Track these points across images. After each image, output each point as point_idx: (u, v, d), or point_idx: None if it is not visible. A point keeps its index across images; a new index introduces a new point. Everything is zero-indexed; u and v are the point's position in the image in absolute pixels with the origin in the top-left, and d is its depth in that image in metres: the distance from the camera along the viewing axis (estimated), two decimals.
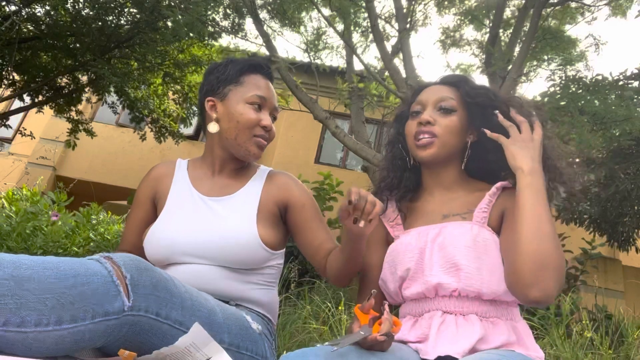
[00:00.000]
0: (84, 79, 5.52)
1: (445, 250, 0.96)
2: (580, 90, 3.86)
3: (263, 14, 4.98)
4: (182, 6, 4.12)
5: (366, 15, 4.94)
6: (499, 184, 1.03)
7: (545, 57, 5.82)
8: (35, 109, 5.60)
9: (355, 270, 1.07)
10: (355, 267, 1.05)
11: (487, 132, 1.02)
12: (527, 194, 0.91)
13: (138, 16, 4.76)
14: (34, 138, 6.02)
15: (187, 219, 1.11)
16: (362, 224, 0.87)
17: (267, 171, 1.22)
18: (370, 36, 5.40)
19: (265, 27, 4.94)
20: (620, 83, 3.87)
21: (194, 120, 6.63)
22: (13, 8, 4.79)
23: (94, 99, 6.14)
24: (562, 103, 3.81)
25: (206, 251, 1.06)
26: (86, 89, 5.54)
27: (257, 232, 1.07)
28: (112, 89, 5.27)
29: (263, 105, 1.15)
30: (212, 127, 1.15)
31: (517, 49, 4.91)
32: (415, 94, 1.15)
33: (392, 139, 1.18)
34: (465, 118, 1.07)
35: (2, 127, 5.56)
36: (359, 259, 1.03)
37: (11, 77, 5.23)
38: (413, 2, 5.30)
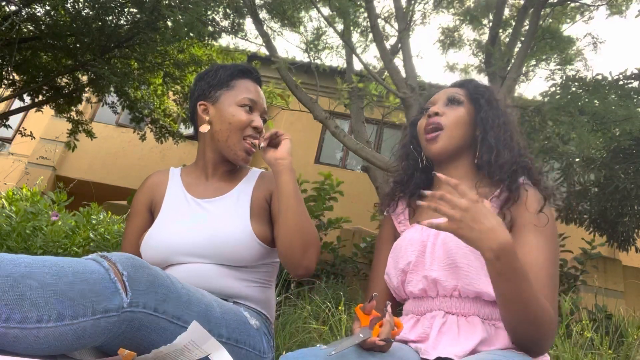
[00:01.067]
0: (84, 79, 5.52)
1: (446, 247, 0.96)
2: (580, 90, 3.86)
3: (263, 14, 4.98)
4: (182, 6, 4.12)
5: (366, 15, 4.94)
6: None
7: (545, 57, 5.82)
8: (35, 109, 5.60)
9: (299, 235, 1.03)
10: (294, 226, 1.03)
11: (426, 193, 0.86)
12: (502, 283, 0.81)
13: (138, 16, 4.76)
14: (34, 138, 6.02)
15: (182, 221, 1.14)
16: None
17: (259, 172, 1.26)
18: (370, 36, 5.39)
19: (265, 27, 4.94)
20: (620, 83, 3.87)
21: None
22: (13, 8, 4.79)
23: (94, 99, 6.14)
24: (562, 103, 3.81)
25: (203, 250, 1.07)
26: (86, 89, 5.54)
27: (251, 228, 1.09)
28: (112, 89, 5.28)
29: (254, 107, 1.20)
30: (204, 128, 1.19)
31: (516, 48, 4.91)
32: (427, 99, 1.20)
33: (405, 142, 1.23)
34: (472, 111, 1.10)
35: (2, 127, 5.56)
36: (291, 212, 1.04)
37: (11, 77, 5.23)
38: (412, 2, 5.30)
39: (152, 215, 1.23)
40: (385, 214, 1.20)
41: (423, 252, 1.00)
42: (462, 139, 1.08)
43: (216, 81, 1.21)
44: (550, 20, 5.73)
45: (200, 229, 1.10)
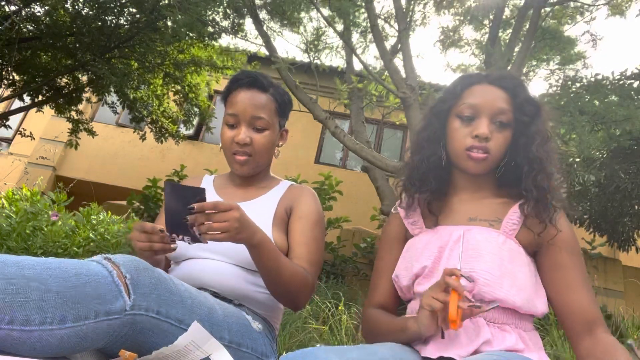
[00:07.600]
0: (84, 79, 5.52)
1: (466, 254, 0.94)
2: (581, 90, 3.86)
3: (263, 14, 4.97)
4: (182, 6, 4.12)
5: (366, 15, 4.93)
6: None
7: (545, 57, 5.82)
8: (35, 109, 5.60)
9: (275, 281, 1.05)
10: (274, 292, 1.05)
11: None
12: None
13: (138, 16, 4.76)
14: (34, 138, 6.02)
15: None
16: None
17: (289, 184, 1.28)
18: (370, 36, 5.39)
19: (265, 28, 4.94)
20: (621, 83, 3.87)
21: (195, 121, 6.65)
22: (13, 8, 4.79)
23: (94, 99, 6.14)
24: (562, 103, 3.81)
25: (222, 248, 1.08)
26: (86, 89, 5.54)
27: (272, 237, 1.11)
28: (112, 89, 5.28)
29: (237, 121, 1.18)
30: (219, 147, 1.26)
31: (516, 49, 4.90)
32: (462, 89, 1.05)
33: (431, 136, 1.08)
34: (513, 130, 1.03)
35: (2, 127, 5.55)
36: (262, 269, 1.02)
37: (11, 77, 5.23)
38: (412, 2, 5.30)
39: None
40: (393, 211, 1.15)
41: (440, 257, 0.97)
42: (500, 160, 1.03)
43: (223, 98, 1.25)
44: (551, 21, 5.73)
45: None
